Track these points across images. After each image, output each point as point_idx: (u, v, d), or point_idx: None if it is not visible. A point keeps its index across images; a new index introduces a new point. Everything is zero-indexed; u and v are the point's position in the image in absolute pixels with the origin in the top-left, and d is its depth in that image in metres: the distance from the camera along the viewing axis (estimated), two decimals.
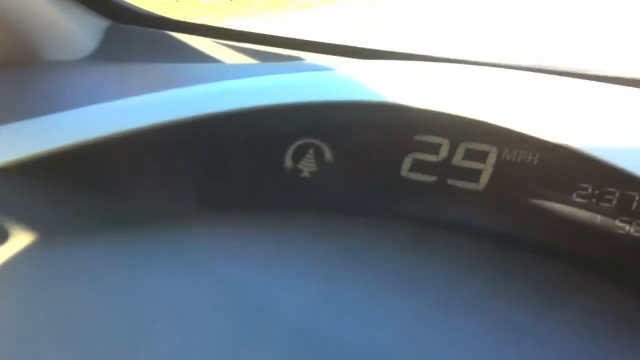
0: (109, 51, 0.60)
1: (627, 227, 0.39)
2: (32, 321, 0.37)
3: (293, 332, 0.35)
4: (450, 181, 0.45)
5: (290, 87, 0.45)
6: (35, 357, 0.35)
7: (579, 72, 0.53)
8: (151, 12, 0.63)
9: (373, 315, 0.36)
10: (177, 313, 0.37)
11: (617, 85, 0.47)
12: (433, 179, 0.45)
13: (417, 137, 0.45)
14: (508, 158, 0.43)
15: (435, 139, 0.45)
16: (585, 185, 0.41)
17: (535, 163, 0.43)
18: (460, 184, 0.44)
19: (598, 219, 0.40)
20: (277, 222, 0.45)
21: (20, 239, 0.43)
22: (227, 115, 0.43)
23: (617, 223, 0.39)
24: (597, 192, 0.40)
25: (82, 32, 0.61)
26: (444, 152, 0.45)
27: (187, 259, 0.42)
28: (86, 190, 0.45)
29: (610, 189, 0.39)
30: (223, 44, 0.59)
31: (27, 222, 0.44)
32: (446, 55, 0.58)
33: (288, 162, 0.47)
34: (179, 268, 0.41)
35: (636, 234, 0.39)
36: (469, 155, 0.44)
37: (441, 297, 0.38)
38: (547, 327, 0.36)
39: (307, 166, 0.47)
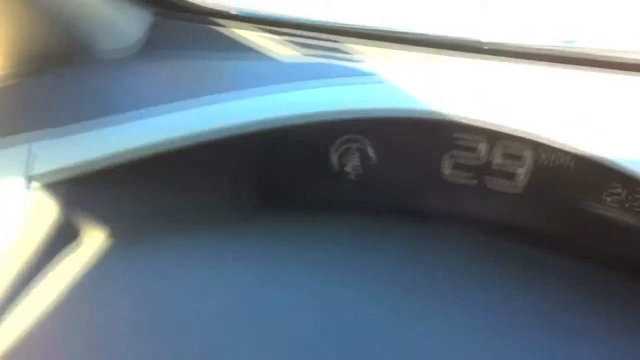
0: (156, 43, 0.62)
1: None
2: (109, 318, 0.41)
3: (351, 326, 0.39)
4: (488, 181, 0.47)
5: (338, 96, 0.47)
6: (113, 352, 0.38)
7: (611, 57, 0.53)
8: (195, 3, 0.64)
9: (428, 312, 0.40)
10: (241, 308, 0.41)
11: None
12: (472, 179, 0.47)
13: (458, 140, 0.47)
14: (544, 160, 0.46)
15: (474, 142, 0.47)
16: (616, 185, 0.43)
17: (569, 165, 0.45)
18: (498, 183, 0.47)
19: (629, 219, 0.43)
20: (325, 222, 0.49)
21: (95, 240, 0.47)
22: (280, 122, 0.46)
23: None
24: (626, 192, 0.43)
25: (130, 25, 0.63)
26: (482, 152, 0.47)
27: (244, 256, 0.45)
28: (153, 192, 0.49)
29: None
30: (266, 33, 0.61)
31: (101, 223, 0.47)
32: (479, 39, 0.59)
33: (335, 163, 0.50)
34: (238, 264, 0.44)
35: None
36: (507, 156, 0.46)
37: (494, 298, 0.42)
38: (585, 324, 0.39)
39: (353, 167, 0.50)
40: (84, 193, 0.47)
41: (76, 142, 0.47)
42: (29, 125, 0.49)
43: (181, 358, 0.38)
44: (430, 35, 0.58)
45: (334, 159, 0.49)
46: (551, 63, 0.53)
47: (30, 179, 0.46)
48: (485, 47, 0.56)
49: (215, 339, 0.39)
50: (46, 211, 0.46)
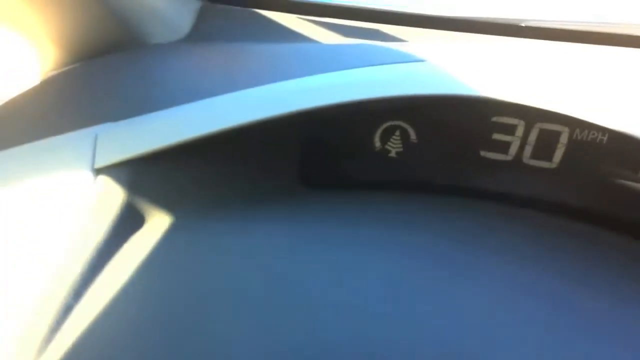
0: (203, 31, 0.65)
1: None
2: (179, 298, 0.43)
3: (396, 302, 0.41)
4: (525, 160, 0.49)
5: (380, 79, 0.49)
6: (184, 332, 0.40)
7: None
8: None
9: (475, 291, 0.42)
10: (297, 283, 0.43)
11: None
12: (509, 157, 0.50)
13: (495, 119, 0.49)
14: (579, 137, 0.48)
15: (512, 121, 0.49)
16: None
17: (604, 142, 0.47)
18: (535, 162, 0.49)
19: None
20: (369, 201, 0.51)
21: (161, 222, 0.50)
22: (325, 104, 0.48)
23: None
24: None
25: (178, 13, 0.65)
26: (519, 133, 0.49)
27: (296, 233, 0.48)
28: (210, 174, 0.52)
29: None
30: (310, 17, 0.63)
31: (165, 206, 0.50)
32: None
33: (377, 143, 0.52)
34: (292, 242, 0.47)
35: None
36: (543, 133, 0.48)
37: (527, 272, 0.44)
38: (619, 291, 0.41)
39: (394, 147, 0.52)
40: (148, 175, 0.50)
41: (137, 129, 0.50)
42: (90, 115, 0.52)
43: (253, 331, 0.40)
44: (467, 18, 0.59)
45: (376, 138, 0.52)
46: (584, 42, 0.55)
47: (95, 165, 0.48)
48: (521, 27, 0.57)
49: (281, 313, 0.41)
50: (112, 196, 0.48)
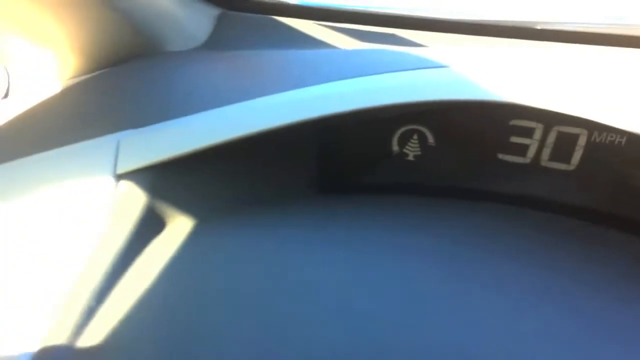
0: (221, 39, 0.66)
1: None
2: (200, 301, 0.44)
3: (412, 303, 0.42)
4: (543, 162, 0.49)
5: (399, 84, 0.50)
6: (206, 335, 0.41)
7: None
8: None
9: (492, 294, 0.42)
10: (316, 286, 0.44)
11: None
12: (527, 160, 0.50)
13: (513, 122, 0.49)
14: (597, 140, 0.48)
15: (530, 124, 0.49)
16: None
17: (623, 144, 0.47)
18: (553, 164, 0.49)
19: None
20: (385, 204, 0.52)
21: (182, 226, 0.51)
22: (344, 110, 0.49)
23: None
24: None
25: (196, 20, 0.66)
26: (537, 136, 0.49)
27: (314, 237, 0.48)
28: (228, 180, 0.52)
29: None
30: (327, 24, 0.64)
31: (186, 210, 0.51)
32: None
33: (395, 146, 0.53)
34: (311, 245, 0.48)
35: None
36: (561, 136, 0.48)
37: (545, 275, 0.44)
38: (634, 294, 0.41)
39: (412, 150, 0.52)
40: (168, 181, 0.50)
41: (158, 136, 0.50)
42: (111, 122, 0.53)
43: (268, 334, 0.40)
44: (482, 21, 0.60)
45: (394, 142, 0.52)
46: (602, 44, 0.55)
47: (116, 171, 0.49)
48: (538, 30, 0.58)
49: (297, 317, 0.41)
50: (134, 201, 0.49)
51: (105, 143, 0.51)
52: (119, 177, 0.49)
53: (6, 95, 0.70)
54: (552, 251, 0.45)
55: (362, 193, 0.54)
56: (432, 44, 0.60)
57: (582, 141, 0.48)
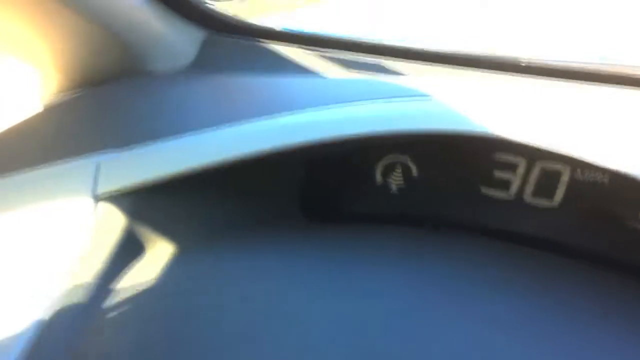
0: (207, 61, 0.65)
1: None
2: (179, 328, 0.43)
3: (396, 336, 0.41)
4: (526, 198, 0.49)
5: (383, 114, 0.50)
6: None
7: None
8: (246, 21, 0.68)
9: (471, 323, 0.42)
10: (291, 316, 0.43)
11: None
12: (511, 196, 0.50)
13: (496, 156, 0.49)
14: (580, 177, 0.48)
15: (513, 159, 0.49)
16: None
17: (606, 183, 0.47)
18: (536, 201, 0.49)
19: None
20: (369, 234, 0.51)
21: (161, 251, 0.50)
22: (327, 139, 0.48)
23: None
24: None
25: (181, 42, 0.66)
26: (521, 170, 0.49)
27: (296, 265, 0.48)
28: (211, 205, 0.52)
29: None
30: (314, 51, 0.64)
31: (164, 234, 0.50)
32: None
33: (378, 177, 0.52)
34: (292, 275, 0.47)
35: None
36: (545, 172, 0.49)
37: (523, 306, 0.44)
38: (611, 334, 0.41)
39: (396, 182, 0.52)
40: (149, 204, 0.50)
41: (139, 158, 0.50)
42: (93, 142, 0.52)
43: None
44: (468, 54, 0.60)
45: (377, 173, 0.52)
46: (587, 81, 0.55)
47: (96, 193, 0.49)
48: (523, 65, 0.58)
49: (281, 344, 0.41)
50: (113, 224, 0.48)
51: (85, 164, 0.51)
52: (99, 198, 0.48)
53: None
54: (535, 287, 0.45)
55: (346, 221, 0.54)
56: (419, 74, 0.60)
57: (565, 177, 0.48)
